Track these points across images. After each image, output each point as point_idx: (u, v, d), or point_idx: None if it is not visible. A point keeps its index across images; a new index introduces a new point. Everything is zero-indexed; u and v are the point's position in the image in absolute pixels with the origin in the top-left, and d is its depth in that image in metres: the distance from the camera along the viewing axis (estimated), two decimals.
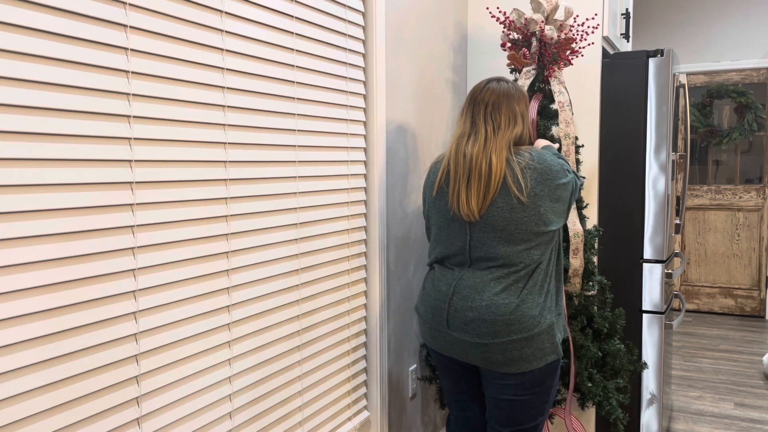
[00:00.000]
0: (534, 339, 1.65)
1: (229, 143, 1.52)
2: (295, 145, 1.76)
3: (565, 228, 2.20)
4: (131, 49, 1.27)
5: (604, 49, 2.64)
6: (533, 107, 2.20)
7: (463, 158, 1.71)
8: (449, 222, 1.76)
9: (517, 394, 1.71)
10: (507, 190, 1.65)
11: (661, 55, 2.57)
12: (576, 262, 2.17)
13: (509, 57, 2.22)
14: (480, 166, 1.67)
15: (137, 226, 1.30)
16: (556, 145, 2.04)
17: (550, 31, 2.14)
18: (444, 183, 1.76)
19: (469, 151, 1.70)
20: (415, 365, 2.47)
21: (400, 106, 2.26)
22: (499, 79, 1.78)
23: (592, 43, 2.53)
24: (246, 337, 1.62)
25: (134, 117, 1.28)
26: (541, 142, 2.00)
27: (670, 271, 2.69)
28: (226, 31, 1.50)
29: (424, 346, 2.52)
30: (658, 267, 2.63)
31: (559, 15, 2.20)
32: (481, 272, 1.70)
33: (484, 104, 1.73)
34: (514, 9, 2.19)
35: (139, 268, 1.31)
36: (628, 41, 3.01)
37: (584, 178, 2.37)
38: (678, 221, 2.89)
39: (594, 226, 2.29)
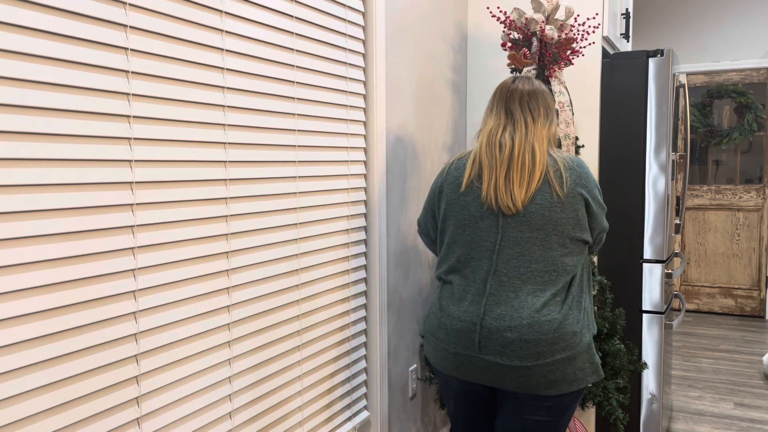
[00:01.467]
0: (576, 359, 1.53)
1: (229, 143, 1.52)
2: (295, 145, 1.76)
3: None
4: (131, 49, 1.27)
5: (604, 49, 2.64)
6: None
7: (500, 149, 1.59)
8: (477, 220, 1.60)
9: (549, 416, 1.60)
10: (547, 183, 1.55)
11: (661, 55, 2.57)
12: None
13: (509, 57, 2.22)
14: (523, 156, 1.57)
15: (137, 226, 1.30)
16: None
17: (550, 31, 2.14)
18: (475, 177, 1.62)
19: (508, 140, 1.59)
20: (415, 365, 2.47)
21: (400, 106, 2.26)
22: (526, 77, 1.69)
23: (593, 43, 2.53)
24: (246, 337, 1.62)
25: (134, 117, 1.28)
26: None
27: (670, 271, 2.69)
28: (226, 31, 1.50)
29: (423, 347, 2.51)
30: (658, 267, 2.63)
31: (560, 15, 2.20)
32: (513, 283, 1.55)
33: (519, 94, 1.64)
34: (514, 8, 2.19)
35: (139, 268, 1.31)
36: (628, 41, 3.01)
37: None
38: (678, 221, 2.89)
39: None
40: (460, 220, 1.64)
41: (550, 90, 2.23)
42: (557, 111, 2.19)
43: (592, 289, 1.69)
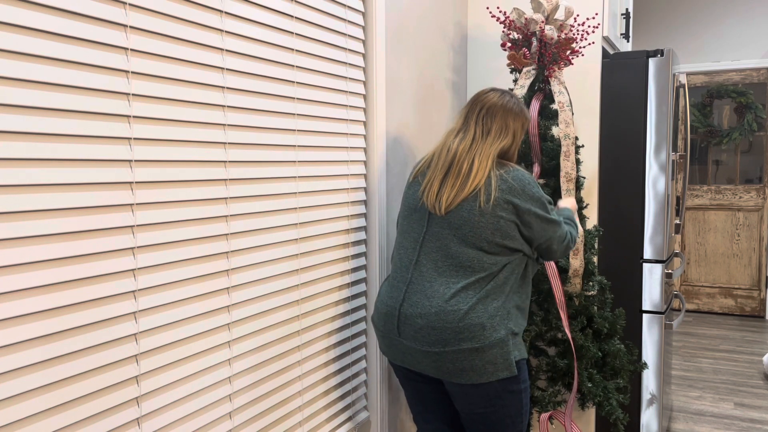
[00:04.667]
0: (485, 351, 1.60)
1: (229, 143, 1.52)
2: (295, 145, 1.76)
3: None
4: (131, 49, 1.27)
5: (604, 49, 2.64)
6: (534, 107, 2.20)
7: (446, 152, 1.72)
8: (413, 211, 1.75)
9: (482, 407, 1.67)
10: (476, 194, 1.65)
11: (661, 55, 2.57)
12: (576, 262, 2.17)
13: (509, 57, 2.22)
14: (461, 164, 1.67)
15: (137, 226, 1.30)
16: (572, 205, 2.04)
17: (550, 31, 2.14)
18: (422, 172, 1.77)
19: (454, 147, 1.71)
20: None
21: (399, 106, 2.26)
22: (504, 91, 1.79)
23: (593, 43, 2.53)
24: (246, 337, 1.62)
25: (134, 117, 1.28)
26: (564, 202, 2.04)
27: (670, 271, 2.69)
28: (226, 31, 1.50)
29: None
30: (658, 267, 2.63)
31: (560, 15, 2.20)
32: (430, 274, 1.66)
33: (480, 106, 1.75)
34: (514, 9, 2.19)
35: (139, 268, 1.31)
36: (628, 41, 3.01)
37: (584, 178, 2.37)
38: (678, 221, 2.89)
39: (594, 226, 2.29)
40: (404, 209, 1.80)
41: (550, 90, 2.23)
42: (557, 111, 2.19)
43: (527, 294, 1.75)
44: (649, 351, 2.66)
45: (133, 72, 1.27)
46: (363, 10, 2.05)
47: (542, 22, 2.15)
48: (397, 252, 1.78)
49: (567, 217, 1.90)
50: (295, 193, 1.77)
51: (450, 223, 1.66)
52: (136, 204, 1.30)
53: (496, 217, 1.63)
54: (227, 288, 1.55)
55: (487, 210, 1.63)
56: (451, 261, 1.65)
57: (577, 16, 2.40)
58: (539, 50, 2.18)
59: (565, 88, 2.18)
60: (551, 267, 2.08)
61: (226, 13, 1.50)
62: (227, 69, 1.51)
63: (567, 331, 2.05)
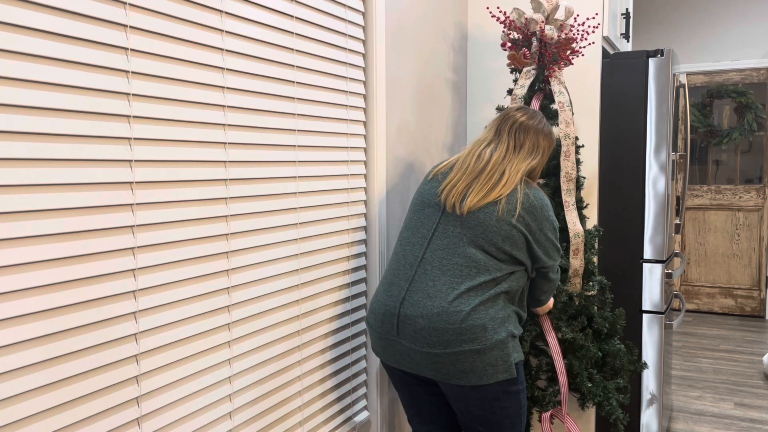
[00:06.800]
0: (486, 353, 1.60)
1: (229, 143, 1.52)
2: (295, 145, 1.76)
3: (565, 228, 2.21)
4: (131, 49, 1.27)
5: (604, 49, 2.64)
6: (534, 107, 2.20)
7: (477, 159, 1.73)
8: (425, 206, 1.75)
9: (480, 409, 1.66)
10: (497, 203, 1.67)
11: (661, 55, 2.57)
12: (576, 262, 2.17)
13: (509, 57, 2.22)
14: (492, 173, 1.69)
15: (137, 226, 1.30)
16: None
17: (550, 31, 2.14)
18: (444, 172, 1.78)
19: (487, 155, 1.73)
20: None
21: (399, 106, 2.26)
22: (535, 112, 1.84)
23: (593, 43, 2.53)
24: (246, 337, 1.62)
25: (134, 117, 1.28)
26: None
27: (670, 271, 2.69)
28: (226, 31, 1.50)
29: None
30: (658, 267, 2.63)
31: (560, 15, 2.20)
32: (434, 273, 1.65)
33: (512, 121, 1.78)
34: (514, 9, 2.19)
35: (139, 268, 1.31)
36: (628, 41, 3.01)
37: (584, 178, 2.37)
38: (678, 221, 2.89)
39: (594, 226, 2.29)
40: (414, 204, 1.80)
41: (550, 90, 2.23)
42: (557, 111, 2.19)
43: (524, 307, 1.79)
44: (649, 351, 2.66)
45: (133, 72, 1.27)
46: (363, 10, 2.05)
47: (542, 22, 2.15)
48: (401, 248, 1.76)
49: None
50: (295, 193, 1.77)
51: (463, 222, 1.67)
52: (136, 204, 1.30)
53: (510, 226, 1.65)
54: (227, 288, 1.55)
55: (504, 218, 1.65)
56: (457, 260, 1.65)
57: (577, 16, 2.40)
58: (539, 50, 2.18)
59: (565, 88, 2.18)
60: (548, 325, 2.08)
61: (226, 13, 1.50)
62: (227, 69, 1.51)
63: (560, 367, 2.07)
